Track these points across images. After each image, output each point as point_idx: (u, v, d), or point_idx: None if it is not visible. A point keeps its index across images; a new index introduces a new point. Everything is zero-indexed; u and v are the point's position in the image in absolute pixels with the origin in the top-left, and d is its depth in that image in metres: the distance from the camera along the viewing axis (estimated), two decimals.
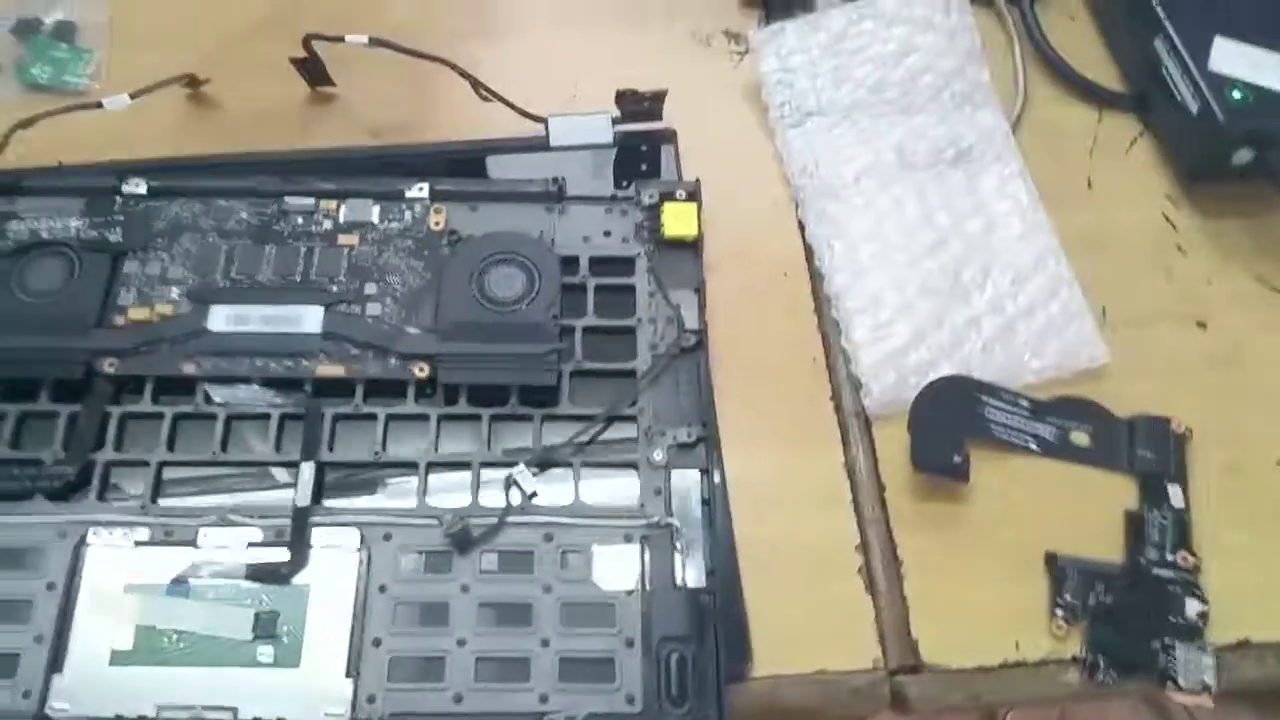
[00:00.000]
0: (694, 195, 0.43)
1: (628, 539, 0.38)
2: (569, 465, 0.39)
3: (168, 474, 0.39)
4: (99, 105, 0.43)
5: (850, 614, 0.39)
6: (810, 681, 0.37)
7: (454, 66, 0.44)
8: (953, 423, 0.41)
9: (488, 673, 0.36)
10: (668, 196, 0.43)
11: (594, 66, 0.48)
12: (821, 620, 0.38)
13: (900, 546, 0.40)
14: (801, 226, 0.46)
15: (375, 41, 0.43)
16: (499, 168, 0.47)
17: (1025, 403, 0.42)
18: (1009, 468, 0.41)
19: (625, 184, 0.44)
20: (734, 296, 0.43)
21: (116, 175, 0.44)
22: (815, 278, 0.45)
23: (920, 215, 0.45)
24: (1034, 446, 0.41)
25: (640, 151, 0.46)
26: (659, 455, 0.39)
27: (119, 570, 0.37)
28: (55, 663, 0.36)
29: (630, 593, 0.37)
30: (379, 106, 0.48)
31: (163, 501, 0.39)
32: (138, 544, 0.38)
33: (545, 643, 0.36)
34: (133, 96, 0.43)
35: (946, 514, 0.40)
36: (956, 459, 0.40)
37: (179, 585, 0.37)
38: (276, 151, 0.47)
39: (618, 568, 0.37)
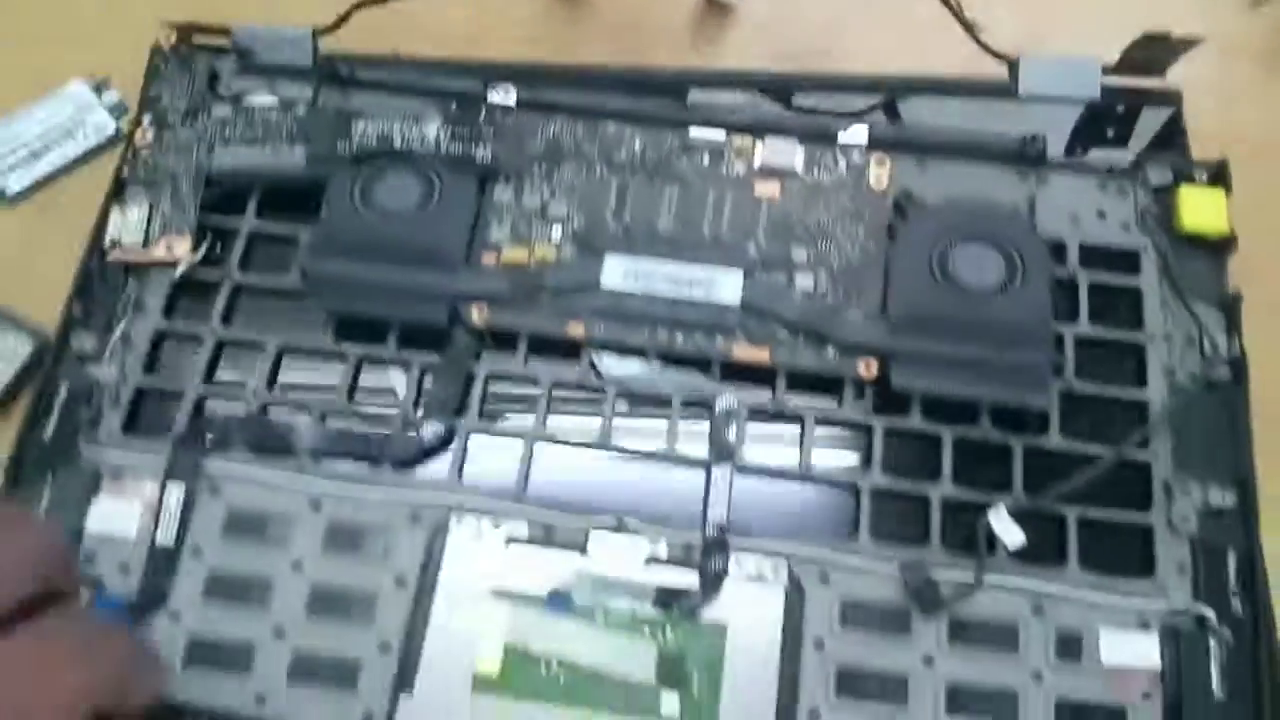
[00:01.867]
0: (1220, 179, 0.34)
1: (1143, 625, 0.29)
2: (1059, 516, 0.30)
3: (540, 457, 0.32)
4: None
5: None
6: None
7: None
8: None
9: None
10: (1183, 177, 0.34)
11: None
12: None
13: None
14: None
15: None
16: (912, 112, 0.38)
17: None
18: None
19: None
20: (1259, 329, 0.33)
21: (480, 79, 0.36)
22: None
23: None
24: None
25: (1118, 116, 0.37)
26: (1187, 521, 0.30)
27: (485, 571, 0.30)
28: (404, 679, 0.29)
29: (1147, 697, 0.28)
30: (787, 23, 0.39)
31: (536, 491, 0.31)
32: (509, 541, 0.30)
33: None
34: None
35: None
36: None
37: (559, 599, 0.30)
38: (662, 69, 0.38)
39: (1128, 659, 0.29)
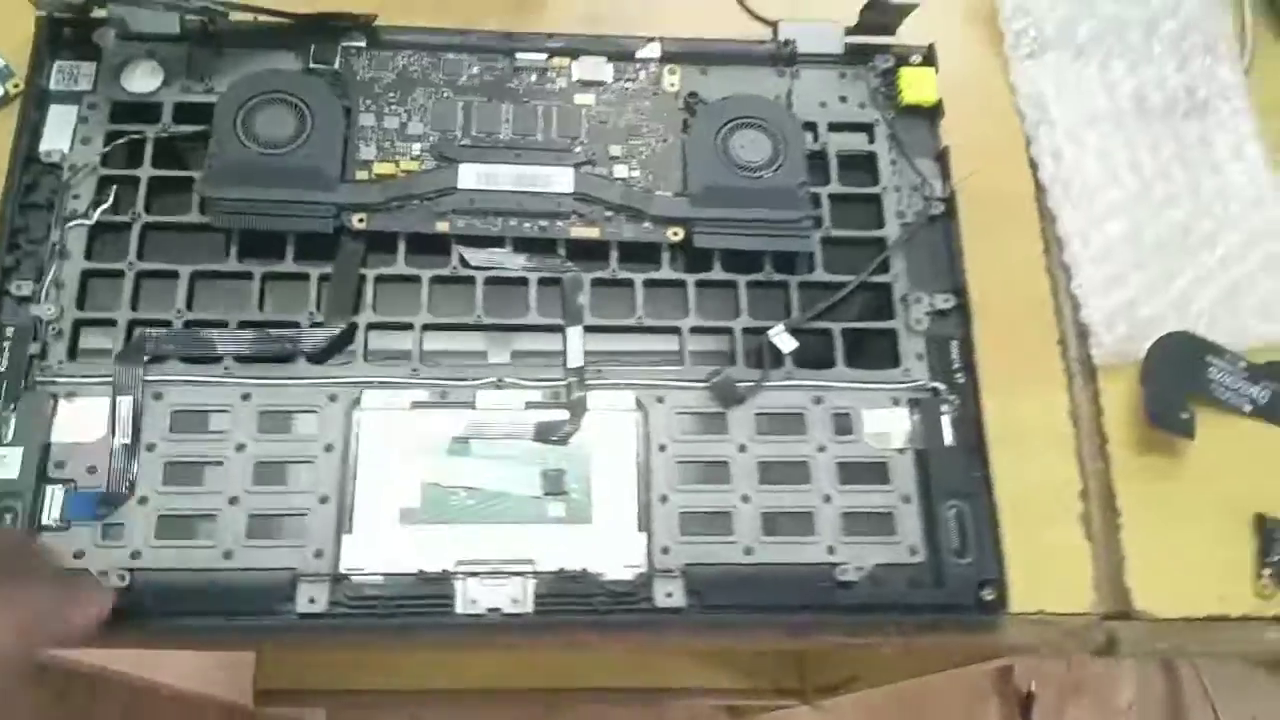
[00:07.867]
0: (930, 60, 0.43)
1: (895, 402, 0.39)
2: (827, 330, 0.40)
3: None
4: None
5: (1069, 558, 0.39)
6: (1030, 621, 0.38)
7: None
8: (1179, 379, 0.41)
9: (774, 526, 0.38)
10: (903, 62, 0.43)
11: None
12: (1043, 562, 0.38)
13: (1119, 496, 0.40)
14: (1032, 164, 0.45)
15: None
16: None
17: (1243, 364, 0.42)
18: (1224, 427, 0.41)
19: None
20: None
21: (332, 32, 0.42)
22: (1045, 218, 0.44)
23: (1155, 168, 0.45)
24: (1248, 408, 0.42)
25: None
26: (920, 323, 0.40)
27: (396, 431, 0.38)
28: (344, 523, 0.37)
29: (902, 452, 0.39)
30: None
31: (430, 364, 0.39)
32: (413, 405, 0.38)
33: (827, 499, 0.38)
34: None
35: (1163, 468, 0.41)
36: (1184, 415, 0.40)
37: (460, 443, 0.38)
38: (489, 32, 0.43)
39: (887, 428, 0.39)
